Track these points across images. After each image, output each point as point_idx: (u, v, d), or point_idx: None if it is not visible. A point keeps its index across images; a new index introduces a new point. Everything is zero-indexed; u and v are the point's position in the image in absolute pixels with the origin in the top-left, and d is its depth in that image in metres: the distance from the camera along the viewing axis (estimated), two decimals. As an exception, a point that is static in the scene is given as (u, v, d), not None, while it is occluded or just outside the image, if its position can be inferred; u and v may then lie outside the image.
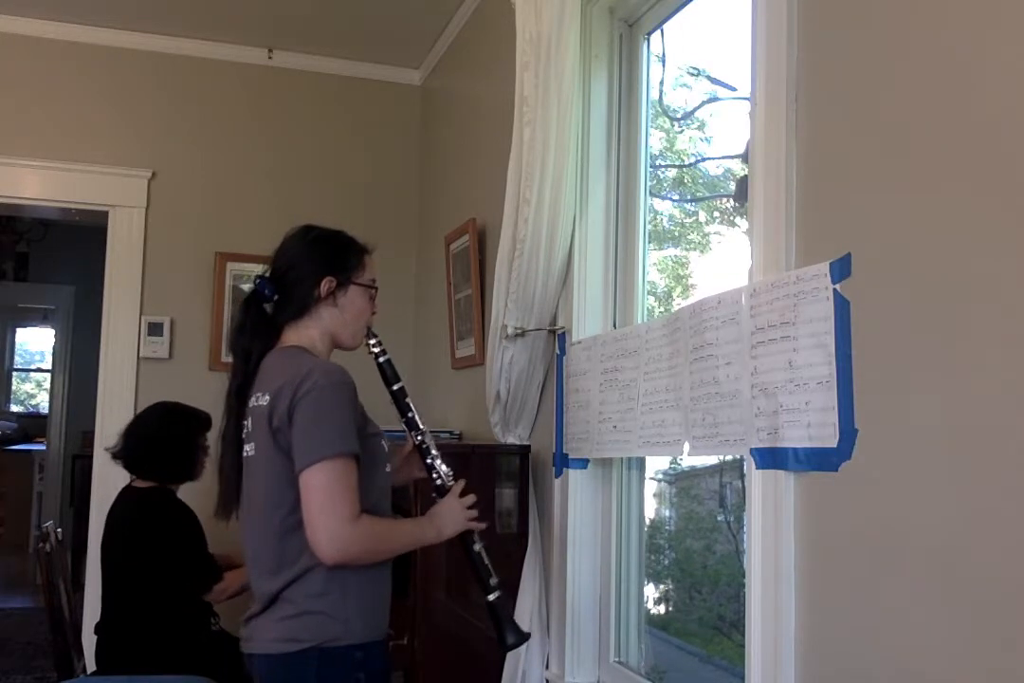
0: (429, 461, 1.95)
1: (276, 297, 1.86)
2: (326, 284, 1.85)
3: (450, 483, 1.93)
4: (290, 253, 1.90)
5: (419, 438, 1.95)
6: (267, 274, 1.89)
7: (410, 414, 1.95)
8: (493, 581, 1.89)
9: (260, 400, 1.76)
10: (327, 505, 1.63)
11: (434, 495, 1.92)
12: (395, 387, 1.94)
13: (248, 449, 1.79)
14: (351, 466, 1.67)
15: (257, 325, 1.86)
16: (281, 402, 1.70)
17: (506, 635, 1.87)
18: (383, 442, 1.86)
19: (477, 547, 1.90)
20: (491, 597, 1.88)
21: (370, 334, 1.95)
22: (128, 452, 2.78)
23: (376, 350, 1.94)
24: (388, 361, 1.95)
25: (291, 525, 1.69)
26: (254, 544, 1.78)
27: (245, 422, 1.81)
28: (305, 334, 1.86)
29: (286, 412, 1.69)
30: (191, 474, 2.81)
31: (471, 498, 1.90)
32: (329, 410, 1.69)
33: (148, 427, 2.81)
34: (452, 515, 1.87)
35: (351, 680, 1.71)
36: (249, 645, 1.76)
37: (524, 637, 1.91)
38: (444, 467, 1.95)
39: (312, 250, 1.89)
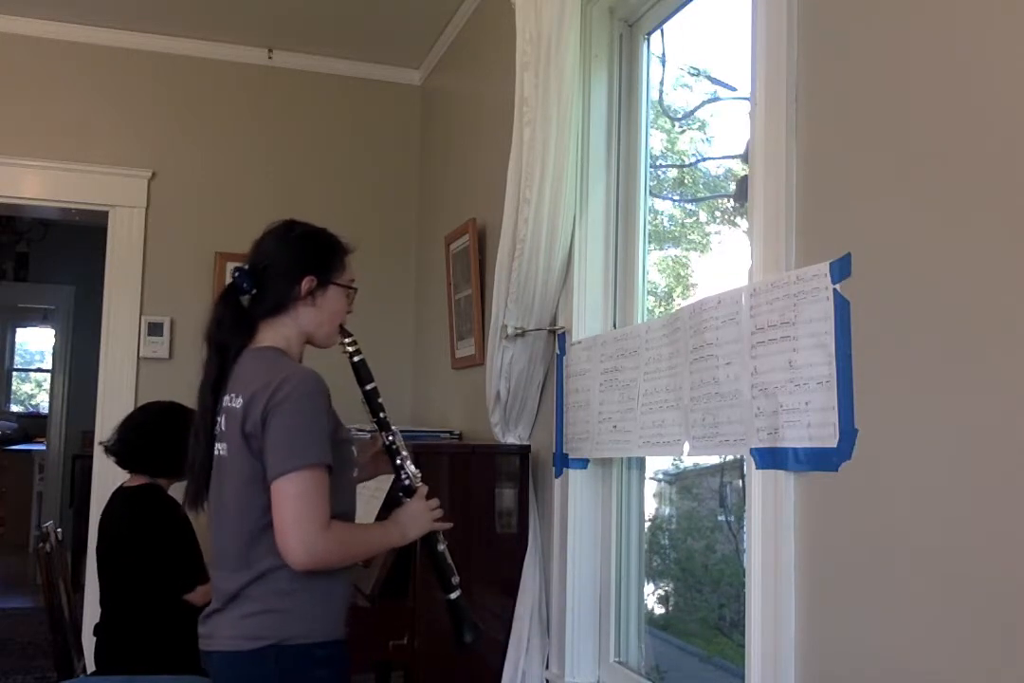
0: (398, 462, 1.96)
1: (254, 291, 1.84)
2: (306, 283, 1.84)
3: (417, 484, 1.95)
4: (271, 248, 1.88)
5: (390, 439, 1.96)
6: (245, 267, 1.87)
7: (382, 414, 1.96)
8: (455, 580, 1.92)
9: (234, 401, 1.75)
10: (301, 514, 1.65)
11: (400, 495, 1.94)
12: (368, 387, 1.95)
13: (220, 448, 1.79)
14: (323, 475, 1.69)
15: (235, 319, 1.84)
16: (254, 408, 1.70)
17: (464, 633, 1.91)
18: (352, 448, 1.87)
19: (441, 547, 1.93)
20: (452, 595, 1.92)
21: (345, 333, 1.94)
22: (122, 446, 2.78)
23: (351, 350, 1.94)
24: (362, 361, 1.95)
25: (260, 527, 1.70)
26: (221, 542, 1.79)
27: (219, 418, 1.80)
28: (281, 333, 1.85)
29: (259, 418, 1.69)
30: (183, 470, 2.80)
31: (436, 501, 1.93)
32: (304, 419, 1.69)
33: (142, 422, 2.81)
34: (417, 517, 1.89)
35: (312, 678, 1.73)
36: (208, 643, 1.77)
37: (481, 635, 1.95)
38: (412, 468, 1.96)
39: (294, 247, 1.88)
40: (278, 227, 1.92)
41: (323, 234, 1.93)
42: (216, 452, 1.80)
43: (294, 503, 1.65)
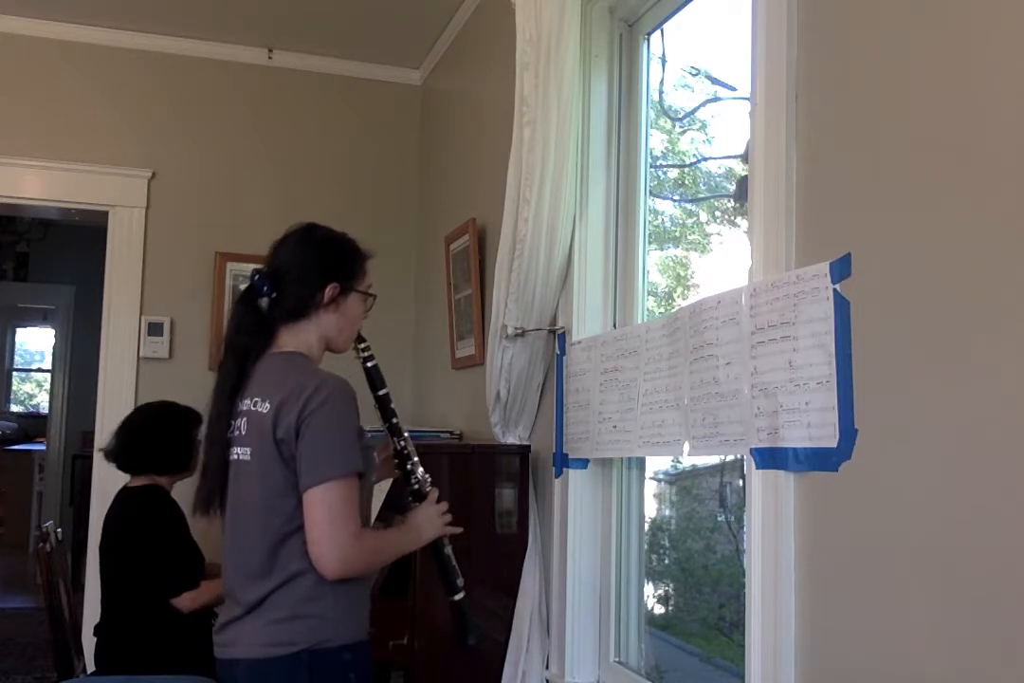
0: (409, 467, 1.97)
1: (274, 294, 1.84)
2: (330, 290, 1.84)
3: (427, 489, 1.96)
4: (294, 253, 1.87)
5: (401, 444, 1.97)
6: (265, 270, 1.86)
7: (394, 420, 1.97)
8: (459, 582, 1.94)
9: (259, 406, 1.74)
10: (337, 523, 1.66)
11: (410, 499, 1.96)
12: (381, 393, 1.96)
13: (240, 453, 1.78)
14: (356, 484, 1.71)
15: (254, 323, 1.84)
16: (287, 414, 1.69)
17: (468, 634, 1.94)
18: (373, 453, 1.88)
19: (447, 550, 1.95)
20: (456, 597, 1.94)
21: (360, 339, 1.95)
22: (120, 450, 2.78)
23: (365, 355, 1.95)
24: (376, 366, 1.96)
25: (286, 533, 1.71)
26: (242, 548, 1.77)
27: (235, 423, 1.79)
28: (303, 338, 1.84)
29: (294, 425, 1.68)
30: (185, 466, 2.80)
31: (445, 505, 1.95)
32: (339, 427, 1.71)
33: (139, 423, 2.82)
34: (430, 521, 1.91)
35: (343, 680, 1.73)
36: (230, 650, 1.77)
37: (484, 637, 1.99)
38: (422, 472, 1.98)
39: (318, 253, 1.87)
40: (299, 230, 1.91)
41: (345, 240, 1.93)
42: (234, 456, 1.79)
43: (328, 512, 1.66)
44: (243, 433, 1.77)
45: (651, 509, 2.56)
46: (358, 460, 1.71)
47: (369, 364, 1.95)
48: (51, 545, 2.71)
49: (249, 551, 1.74)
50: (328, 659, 1.71)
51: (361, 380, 1.95)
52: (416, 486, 1.95)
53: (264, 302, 1.84)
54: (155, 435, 2.75)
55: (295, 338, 1.84)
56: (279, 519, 1.71)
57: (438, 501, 1.94)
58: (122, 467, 2.82)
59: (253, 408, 1.76)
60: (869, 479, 1.42)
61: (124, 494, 2.80)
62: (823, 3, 1.60)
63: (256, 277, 1.85)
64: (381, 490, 2.52)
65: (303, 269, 1.85)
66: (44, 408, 8.97)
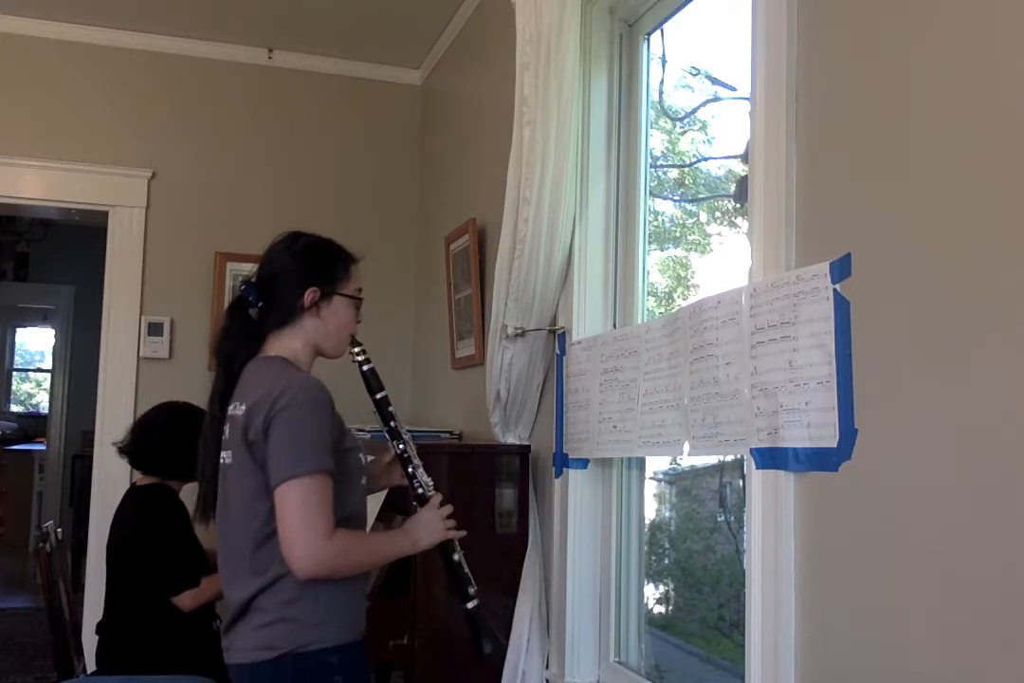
0: (411, 470, 1.95)
1: (261, 303, 1.87)
2: (309, 295, 1.85)
3: (430, 493, 1.94)
4: (276, 261, 1.90)
5: (400, 448, 1.96)
6: (253, 279, 1.89)
7: (392, 423, 1.95)
8: (472, 590, 1.90)
9: (237, 409, 1.77)
10: (303, 522, 1.65)
11: (414, 504, 1.94)
12: (378, 396, 1.95)
13: (225, 456, 1.80)
14: (326, 483, 1.69)
15: (242, 331, 1.86)
16: (256, 416, 1.70)
17: (483, 643, 1.88)
18: (360, 455, 1.86)
19: (456, 556, 1.91)
20: (469, 605, 1.90)
21: (354, 343, 1.94)
22: (134, 447, 2.79)
23: (360, 359, 1.94)
24: (372, 370, 1.95)
25: (264, 535, 1.71)
26: (228, 551, 1.79)
27: (225, 427, 1.82)
28: (288, 344, 1.86)
29: (261, 427, 1.70)
30: (192, 473, 2.81)
31: (448, 509, 1.92)
32: (304, 427, 1.70)
33: (156, 423, 2.82)
34: (429, 526, 1.87)
35: None
36: (229, 655, 1.78)
37: (500, 646, 1.94)
38: (425, 477, 1.96)
39: (297, 259, 1.89)
40: (283, 239, 1.93)
41: (327, 244, 1.94)
42: (222, 460, 1.81)
43: (297, 511, 1.65)
44: (227, 437, 1.80)
45: (651, 509, 2.56)
46: (325, 459, 1.69)
47: (365, 368, 1.95)
48: (51, 545, 2.71)
49: (237, 554, 1.76)
50: (312, 662, 1.70)
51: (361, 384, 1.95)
52: (419, 490, 1.94)
53: (254, 312, 1.87)
54: (168, 438, 2.75)
55: (280, 344, 1.86)
56: (256, 522, 1.71)
57: (441, 505, 1.91)
58: (133, 463, 2.83)
59: (233, 412, 1.78)
60: (869, 479, 1.42)
61: (132, 492, 2.81)
62: (823, 3, 1.60)
63: (243, 287, 1.87)
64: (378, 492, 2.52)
65: (284, 275, 1.87)
66: (44, 408, 8.97)
